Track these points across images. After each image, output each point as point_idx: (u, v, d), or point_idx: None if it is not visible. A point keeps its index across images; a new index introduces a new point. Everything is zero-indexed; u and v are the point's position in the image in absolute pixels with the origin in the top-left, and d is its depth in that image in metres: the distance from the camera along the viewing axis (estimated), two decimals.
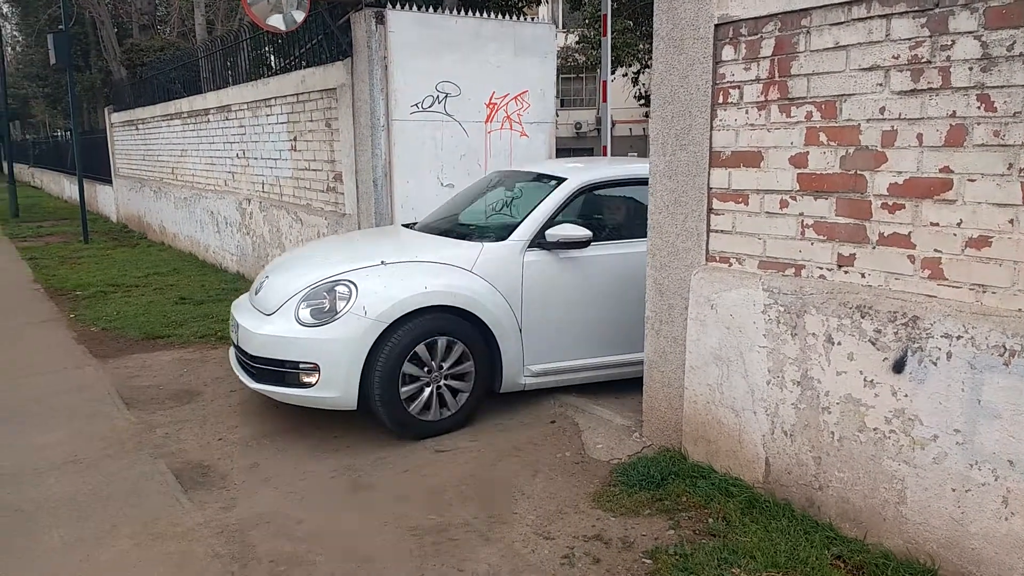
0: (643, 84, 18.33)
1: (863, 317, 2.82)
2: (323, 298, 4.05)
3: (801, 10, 3.02)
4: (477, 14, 6.53)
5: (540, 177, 4.91)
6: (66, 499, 3.56)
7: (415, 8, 6.22)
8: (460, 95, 6.46)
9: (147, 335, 6.45)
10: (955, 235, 2.62)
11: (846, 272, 2.96)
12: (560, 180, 4.64)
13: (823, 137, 2.99)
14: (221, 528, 3.27)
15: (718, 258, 3.46)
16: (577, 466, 3.75)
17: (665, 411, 3.77)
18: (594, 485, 3.53)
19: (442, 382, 4.13)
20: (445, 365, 4.12)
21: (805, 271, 3.10)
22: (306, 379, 3.97)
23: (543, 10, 22.12)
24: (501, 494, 3.50)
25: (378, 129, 6.15)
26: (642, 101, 18.82)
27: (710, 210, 3.47)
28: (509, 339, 4.27)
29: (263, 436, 4.23)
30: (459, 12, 6.53)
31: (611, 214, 4.95)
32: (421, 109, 6.32)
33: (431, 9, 6.33)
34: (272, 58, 8.69)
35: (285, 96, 7.63)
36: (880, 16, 2.78)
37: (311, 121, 7.20)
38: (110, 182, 15.97)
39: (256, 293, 4.55)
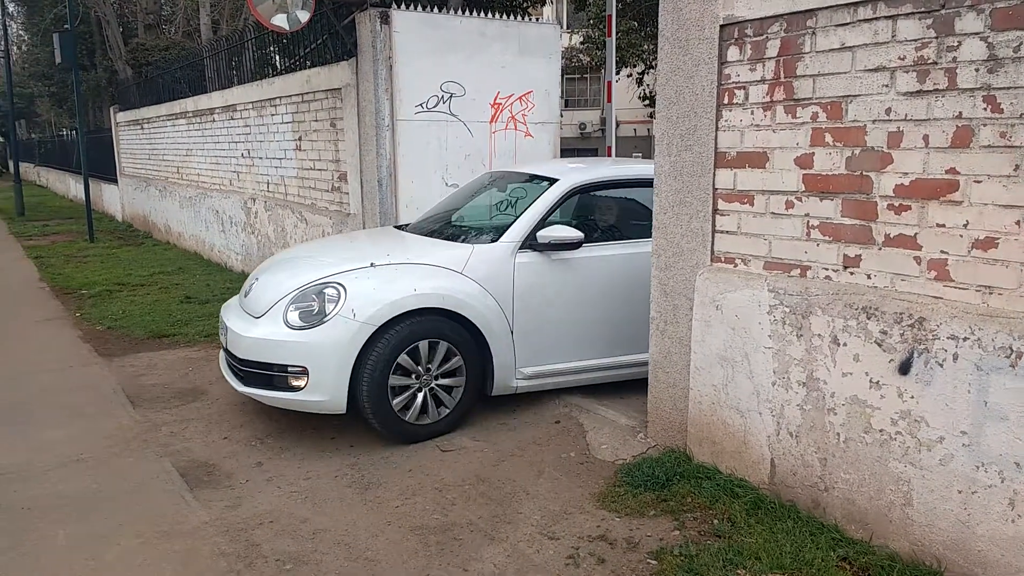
0: (648, 84, 18.32)
1: (869, 318, 2.82)
2: (312, 301, 4.02)
3: (807, 11, 3.02)
4: (482, 14, 6.54)
5: (532, 178, 4.86)
6: (72, 497, 3.57)
7: (420, 8, 6.23)
8: (465, 95, 6.47)
9: (152, 334, 6.47)
10: (961, 236, 2.62)
11: (852, 273, 2.95)
12: (552, 181, 4.60)
13: (829, 138, 2.99)
14: (226, 527, 3.28)
15: (723, 259, 3.46)
16: (582, 466, 3.75)
17: (670, 412, 3.77)
18: (599, 485, 3.54)
19: (432, 385, 4.08)
20: (435, 368, 4.08)
21: (811, 272, 3.10)
22: (294, 383, 3.93)
23: (547, 10, 22.12)
24: (506, 494, 3.51)
25: (383, 129, 6.16)
26: (647, 102, 18.80)
27: (715, 211, 3.47)
28: (500, 341, 4.22)
29: (268, 435, 4.24)
30: (464, 12, 6.54)
31: (604, 215, 4.91)
32: (426, 109, 6.33)
33: (436, 9, 6.34)
34: (277, 58, 8.71)
35: (290, 96, 7.65)
36: (886, 17, 2.77)
37: (316, 121, 7.22)
38: (115, 181, 16.02)
39: (245, 295, 4.52)
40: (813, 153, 3.05)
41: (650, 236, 4.57)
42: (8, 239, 13.99)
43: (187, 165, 11.47)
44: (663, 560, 2.89)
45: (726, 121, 3.39)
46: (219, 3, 19.20)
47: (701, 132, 3.47)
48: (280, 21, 6.27)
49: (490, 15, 6.56)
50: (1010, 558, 2.51)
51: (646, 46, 17.09)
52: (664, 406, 3.81)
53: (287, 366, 3.93)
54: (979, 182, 2.56)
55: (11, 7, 27.65)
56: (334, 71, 6.66)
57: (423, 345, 4.01)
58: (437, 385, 4.11)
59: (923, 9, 2.67)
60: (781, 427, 3.20)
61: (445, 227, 4.91)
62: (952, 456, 2.63)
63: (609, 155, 9.00)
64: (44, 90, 30.32)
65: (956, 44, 2.59)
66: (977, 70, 2.54)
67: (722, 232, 3.46)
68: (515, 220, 4.42)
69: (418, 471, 3.78)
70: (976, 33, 2.54)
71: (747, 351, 3.30)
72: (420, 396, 4.06)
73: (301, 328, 3.95)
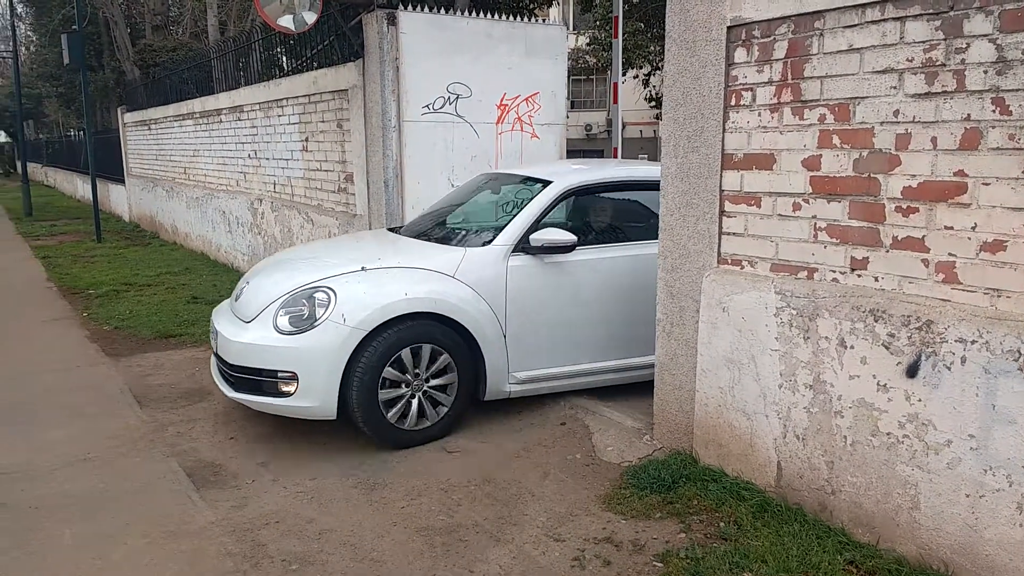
0: (654, 86, 18.29)
1: (876, 321, 2.81)
2: (302, 305, 3.98)
3: (814, 12, 3.01)
4: (488, 15, 6.54)
5: (526, 180, 4.81)
6: (78, 497, 3.58)
7: (427, 9, 6.23)
8: (471, 96, 6.47)
9: (159, 334, 6.49)
10: (970, 239, 2.61)
11: (859, 275, 2.94)
12: (546, 183, 4.55)
13: (836, 140, 2.98)
14: (233, 527, 3.29)
15: (730, 260, 3.45)
16: (587, 468, 3.75)
17: (676, 414, 3.77)
18: (604, 487, 3.53)
19: (424, 390, 4.05)
20: (426, 373, 4.04)
21: (818, 274, 3.09)
22: (284, 388, 3.89)
23: (554, 12, 22.12)
24: (511, 495, 3.50)
25: (389, 130, 6.17)
26: (653, 103, 18.78)
27: (722, 212, 3.46)
28: (493, 346, 4.18)
29: (274, 435, 4.25)
30: (470, 13, 6.54)
31: (598, 217, 4.86)
32: (432, 110, 6.33)
33: (443, 10, 6.35)
34: (284, 59, 8.73)
35: (297, 97, 7.67)
36: (894, 19, 2.76)
37: (323, 122, 7.23)
38: (123, 181, 16.08)
39: (236, 299, 4.47)
40: (820, 155, 3.04)
41: (646, 238, 4.58)
42: (16, 239, 14.05)
43: (194, 166, 11.51)
44: (669, 563, 2.88)
45: (733, 123, 3.38)
46: (226, 4, 19.25)
47: (708, 134, 3.46)
48: (287, 22, 6.29)
49: (497, 16, 6.57)
50: (1018, 563, 2.50)
51: (652, 47, 17.06)
52: (670, 408, 3.80)
53: (277, 371, 3.89)
54: (987, 184, 2.55)
55: (20, 8, 27.79)
56: (341, 72, 6.67)
57: (414, 350, 3.98)
58: (429, 390, 4.07)
59: (931, 11, 2.66)
60: (788, 430, 3.19)
61: (438, 229, 4.87)
62: (960, 460, 2.62)
63: (615, 156, 8.99)
64: (52, 91, 30.46)
65: (965, 46, 2.58)
66: (986, 72, 2.53)
67: (729, 234, 3.45)
68: (508, 223, 4.38)
69: (424, 472, 3.78)
70: (985, 35, 2.53)
71: (754, 353, 3.29)
72: (411, 401, 4.02)
73: (291, 333, 3.90)
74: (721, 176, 3.44)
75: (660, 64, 17.23)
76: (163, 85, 12.66)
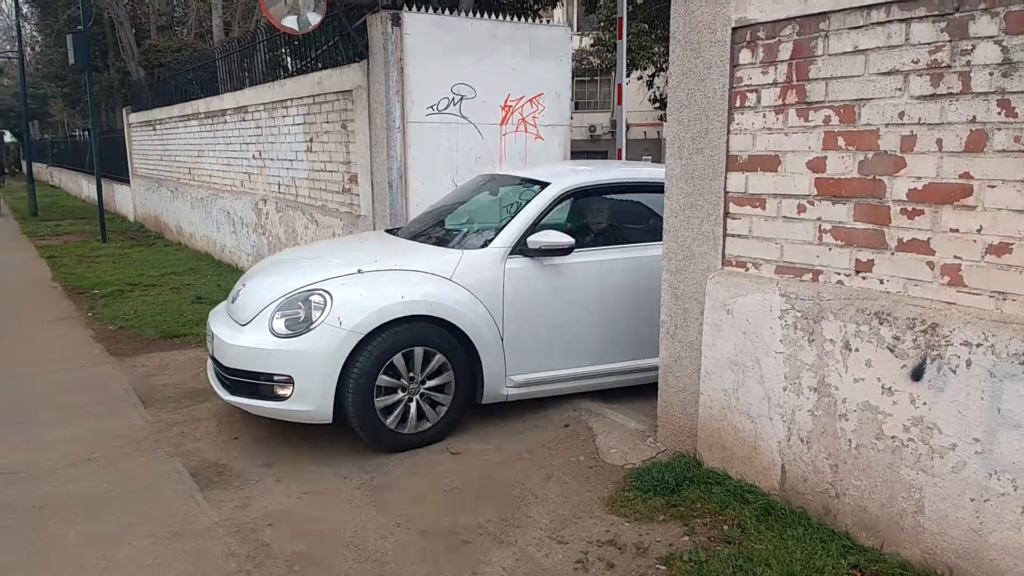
0: (658, 87, 18.29)
1: (881, 324, 2.80)
2: (298, 308, 3.95)
3: (819, 14, 3.00)
4: (493, 16, 6.54)
5: (524, 181, 4.78)
6: (83, 496, 3.59)
7: (431, 10, 6.24)
8: (475, 97, 6.47)
9: (164, 334, 6.50)
10: (975, 242, 2.60)
11: (864, 278, 2.94)
12: (543, 185, 4.53)
13: (841, 141, 2.97)
14: (237, 527, 3.29)
15: (734, 262, 3.45)
16: (591, 470, 3.74)
17: (680, 416, 3.76)
18: (608, 490, 3.53)
19: (420, 393, 4.02)
20: (423, 377, 4.01)
21: (823, 276, 3.08)
22: (280, 391, 3.87)
23: (558, 12, 22.13)
24: (514, 497, 3.50)
25: (394, 131, 6.17)
26: (657, 104, 18.78)
27: (726, 214, 3.46)
28: (490, 349, 4.15)
29: (278, 436, 4.25)
30: (475, 14, 6.54)
31: (597, 219, 4.81)
32: (436, 111, 6.34)
33: (447, 11, 6.35)
34: (288, 60, 8.74)
35: (301, 97, 7.68)
36: (899, 20, 2.76)
37: (327, 123, 7.24)
38: (127, 182, 16.12)
39: (232, 302, 4.45)
40: (825, 157, 3.03)
41: (645, 240, 4.57)
42: (21, 239, 14.10)
43: (199, 166, 11.53)
44: (672, 566, 2.88)
45: (738, 124, 3.38)
46: (231, 5, 19.29)
47: (713, 135, 3.46)
48: (291, 23, 6.29)
49: (501, 17, 6.57)
50: (1023, 567, 2.49)
51: (657, 48, 17.05)
52: (674, 411, 3.79)
53: (273, 375, 3.87)
54: (993, 187, 2.54)
55: (25, 8, 27.88)
56: (345, 73, 6.68)
57: (410, 353, 3.95)
58: (425, 394, 4.04)
59: (937, 12, 2.65)
60: (792, 433, 3.18)
61: (436, 231, 4.84)
62: (965, 463, 2.61)
63: (620, 158, 8.98)
64: (57, 91, 30.53)
65: (970, 48, 2.57)
66: (991, 74, 2.52)
67: (733, 236, 3.44)
68: (505, 225, 4.35)
69: (427, 474, 3.78)
70: (990, 37, 2.52)
71: (758, 356, 3.28)
72: (407, 405, 4.00)
73: (287, 336, 3.88)
74: (726, 178, 3.43)
75: (664, 65, 17.22)
76: (168, 85, 12.69)
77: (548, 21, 7.33)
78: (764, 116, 3.26)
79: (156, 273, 9.54)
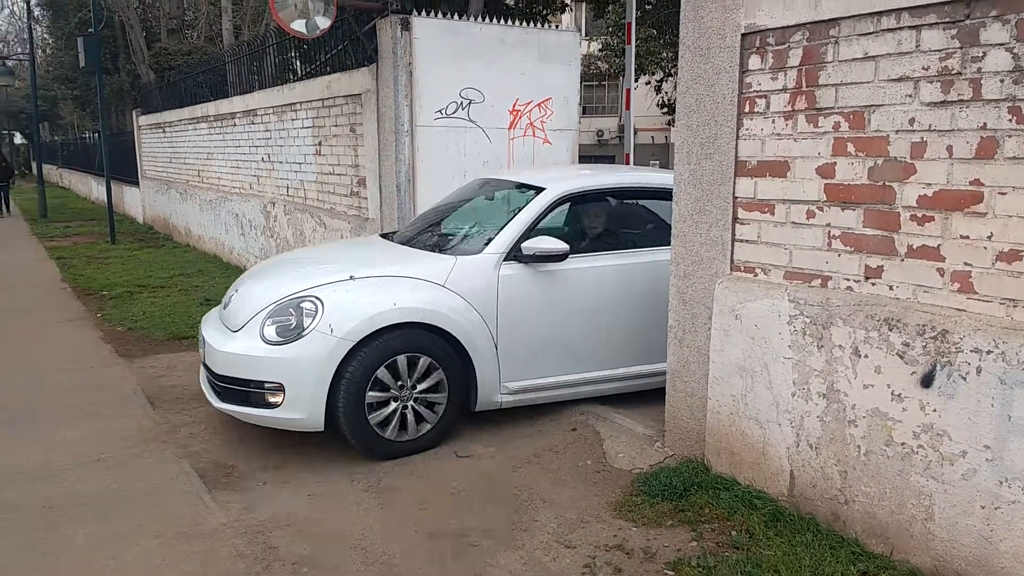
0: (666, 92, 18.30)
1: (891, 330, 2.80)
2: (289, 315, 3.91)
3: (829, 20, 3.01)
4: (502, 21, 6.56)
5: (520, 186, 4.73)
6: (91, 497, 3.61)
7: (441, 15, 6.26)
8: (484, 102, 6.48)
9: (172, 335, 6.53)
10: (985, 248, 2.59)
11: (874, 284, 2.93)
12: (539, 190, 4.48)
13: (851, 148, 2.97)
14: (244, 529, 3.30)
15: (743, 268, 3.45)
16: (598, 475, 3.74)
17: (688, 421, 3.76)
18: (615, 494, 3.52)
19: (412, 402, 3.98)
20: (416, 384, 3.97)
21: (832, 282, 3.08)
22: (271, 399, 3.84)
23: (566, 17, 22.17)
24: (522, 501, 3.50)
25: (402, 135, 6.19)
26: (664, 109, 18.79)
27: (735, 219, 3.46)
28: (484, 356, 4.11)
29: (285, 437, 4.26)
30: (484, 19, 6.56)
31: (593, 225, 4.75)
32: (445, 115, 6.35)
33: (456, 16, 6.37)
34: (298, 63, 8.78)
35: (311, 101, 7.71)
36: (910, 27, 2.76)
37: (336, 126, 7.27)
38: (137, 184, 16.20)
39: (225, 307, 4.42)
40: (835, 163, 3.03)
41: (643, 246, 4.56)
42: (31, 240, 14.18)
43: (208, 169, 11.58)
44: (680, 571, 2.87)
45: (747, 130, 3.38)
46: (241, 8, 19.38)
47: (721, 141, 3.46)
48: (301, 27, 6.32)
49: (510, 22, 6.59)
50: None
51: (665, 54, 17.07)
52: (682, 415, 3.79)
53: (263, 382, 3.83)
54: (1004, 194, 2.54)
55: (37, 11, 28.06)
56: (354, 77, 6.70)
57: (403, 360, 3.91)
58: (418, 401, 4.00)
59: (947, 19, 2.65)
60: (801, 439, 3.17)
61: (430, 236, 4.81)
62: (975, 471, 2.60)
63: (627, 162, 8.99)
64: (68, 93, 30.71)
65: (981, 55, 2.57)
66: (1002, 81, 2.52)
67: (742, 241, 3.44)
68: (500, 231, 4.31)
69: (434, 476, 3.79)
70: (1001, 44, 2.52)
71: (766, 361, 3.28)
72: (400, 412, 3.95)
73: (278, 343, 3.85)
74: (735, 183, 3.43)
75: (672, 70, 17.23)
76: (178, 88, 12.76)
77: (557, 26, 7.34)
78: (773, 122, 3.26)
79: (165, 275, 9.58)
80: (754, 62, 3.33)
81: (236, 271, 9.82)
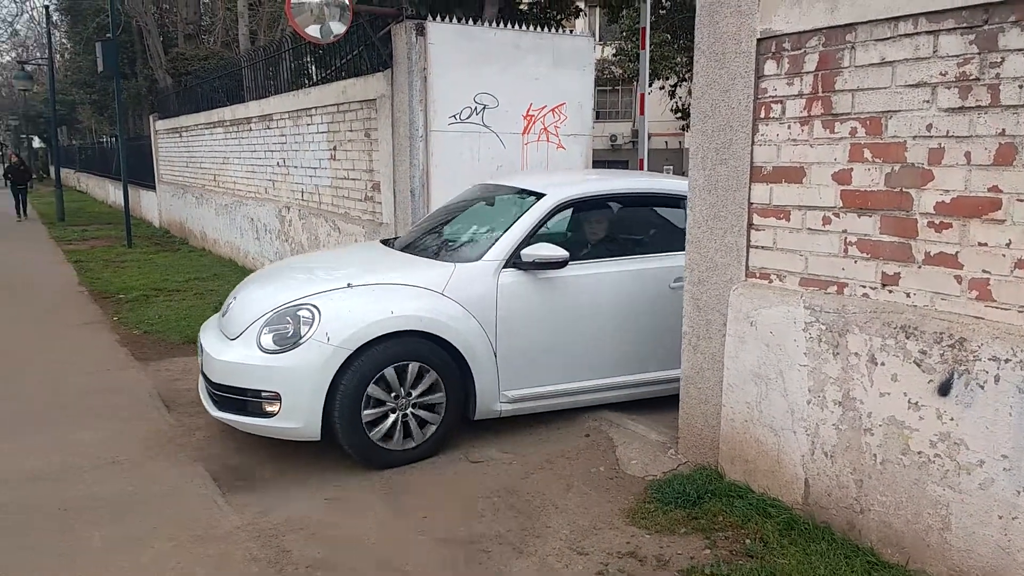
0: (680, 97, 18.26)
1: (908, 338, 2.77)
2: (286, 323, 3.89)
3: (846, 25, 2.99)
4: (516, 26, 6.57)
5: (520, 192, 4.69)
6: (107, 499, 3.63)
7: (455, 20, 6.28)
8: (498, 107, 6.50)
9: (188, 339, 6.57)
10: (1004, 256, 2.57)
11: (890, 291, 2.91)
12: (539, 196, 4.43)
13: (868, 154, 2.95)
14: (258, 532, 3.31)
15: (758, 274, 3.43)
16: (611, 481, 3.73)
17: (701, 428, 3.74)
18: (628, 501, 3.51)
19: (409, 410, 3.95)
20: (413, 392, 3.94)
21: (848, 289, 3.06)
22: (268, 408, 3.82)
23: (580, 22, 22.17)
24: (534, 507, 3.50)
25: (416, 139, 6.21)
26: (679, 114, 18.74)
27: (750, 225, 3.44)
28: (483, 364, 4.07)
29: (299, 442, 4.27)
30: (498, 24, 6.57)
31: (594, 231, 4.70)
32: (459, 120, 6.37)
33: (471, 21, 6.39)
34: (313, 68, 8.84)
35: (325, 106, 7.75)
36: (927, 32, 2.74)
37: (351, 131, 7.30)
38: (153, 188, 16.35)
39: (223, 315, 4.40)
40: (851, 169, 3.01)
41: (645, 252, 4.52)
42: (49, 243, 14.33)
43: (223, 173, 11.67)
44: None
45: (762, 135, 3.36)
46: (257, 14, 19.52)
47: (737, 146, 3.45)
48: (316, 32, 6.36)
49: (524, 27, 6.60)
50: None
51: (679, 58, 17.05)
52: (695, 422, 3.77)
53: (260, 391, 3.81)
54: (1022, 201, 2.51)
55: (55, 16, 28.39)
56: (369, 82, 6.74)
57: (400, 368, 3.88)
58: (416, 410, 3.97)
59: (965, 25, 2.63)
60: (816, 447, 3.15)
61: (429, 243, 4.76)
62: (992, 480, 2.57)
63: (641, 168, 8.97)
64: (86, 97, 31.03)
65: (999, 60, 2.55)
66: (1021, 87, 2.50)
67: (757, 247, 3.43)
68: (499, 237, 4.26)
69: (447, 482, 3.79)
70: (1020, 49, 2.49)
71: (782, 368, 3.26)
72: (397, 421, 3.92)
73: (275, 352, 3.82)
74: (750, 189, 3.42)
75: (686, 75, 17.19)
76: (194, 93, 12.87)
77: (571, 31, 7.34)
78: (789, 127, 3.25)
79: (180, 278, 9.65)
80: (770, 67, 3.31)
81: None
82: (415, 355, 3.92)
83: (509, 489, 3.69)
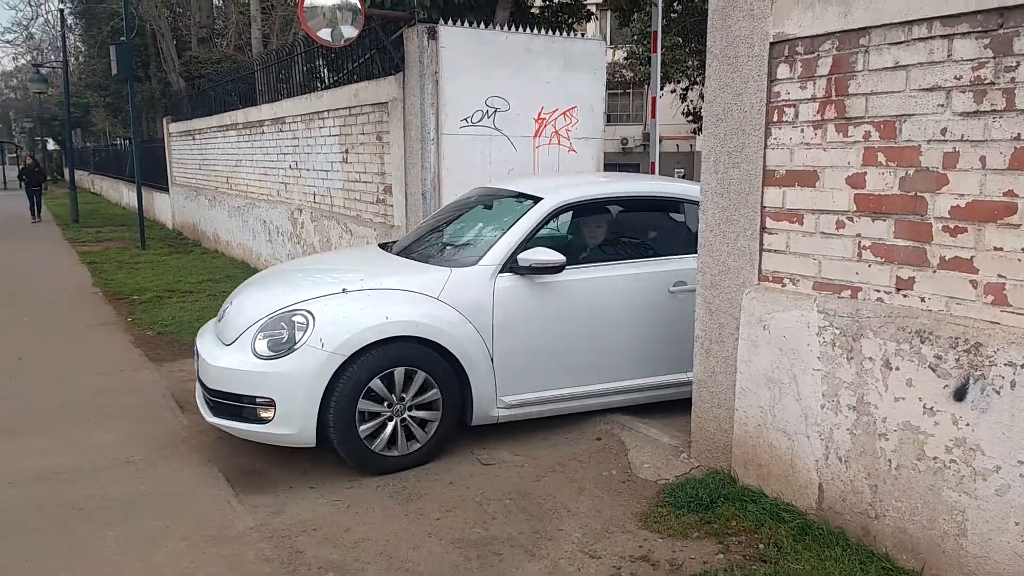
0: (691, 101, 18.23)
1: (923, 342, 2.76)
2: (281, 329, 3.87)
3: (859, 29, 2.98)
4: (528, 30, 6.58)
5: (518, 196, 4.65)
6: (121, 499, 3.66)
7: (467, 24, 6.30)
8: (509, 110, 6.51)
9: None
10: (1020, 260, 2.55)
11: (905, 296, 2.90)
12: (536, 200, 4.40)
13: (882, 158, 2.94)
14: (271, 533, 3.33)
15: (771, 278, 3.42)
16: (623, 485, 3.73)
17: (714, 432, 3.73)
18: (641, 505, 3.51)
19: (406, 415, 3.92)
20: (409, 398, 3.91)
21: (862, 293, 3.05)
22: (263, 414, 3.79)
23: (591, 26, 22.18)
24: (546, 510, 3.50)
25: (428, 142, 6.23)
26: (690, 118, 18.71)
27: (763, 229, 3.43)
28: (479, 370, 4.03)
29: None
30: (510, 28, 6.58)
31: (592, 235, 4.67)
32: (470, 123, 6.38)
33: (482, 25, 6.40)
34: (325, 72, 8.88)
35: (338, 109, 7.79)
36: (942, 36, 2.73)
37: (363, 134, 7.33)
38: (167, 190, 16.45)
39: (220, 320, 4.40)
40: (865, 173, 3.00)
41: (644, 256, 4.50)
42: (63, 244, 14.44)
43: (236, 176, 11.73)
44: None
45: (775, 139, 3.36)
46: (270, 18, 19.63)
47: (749, 150, 3.44)
48: (328, 36, 6.39)
49: (536, 31, 6.61)
50: None
51: (690, 62, 17.03)
52: (708, 426, 3.76)
53: (255, 397, 3.80)
54: None
55: (70, 20, 28.63)
56: (381, 85, 6.76)
57: (396, 374, 3.86)
58: (411, 415, 3.95)
59: (980, 29, 2.62)
60: (830, 451, 3.14)
61: (425, 247, 4.74)
62: (1009, 486, 2.55)
63: (652, 171, 8.98)
64: (100, 100, 31.27)
65: (1015, 64, 2.54)
66: None
67: (770, 251, 3.42)
68: (495, 242, 4.22)
69: (459, 484, 3.79)
70: None
71: (795, 372, 3.25)
72: (392, 427, 3.90)
73: (269, 358, 3.80)
74: (762, 192, 3.41)
75: (698, 79, 17.16)
76: (207, 96, 12.95)
77: (582, 35, 7.34)
78: (802, 131, 3.24)
79: (193, 280, 9.71)
80: (782, 71, 3.31)
81: None
82: (410, 361, 3.90)
83: (521, 492, 3.69)
